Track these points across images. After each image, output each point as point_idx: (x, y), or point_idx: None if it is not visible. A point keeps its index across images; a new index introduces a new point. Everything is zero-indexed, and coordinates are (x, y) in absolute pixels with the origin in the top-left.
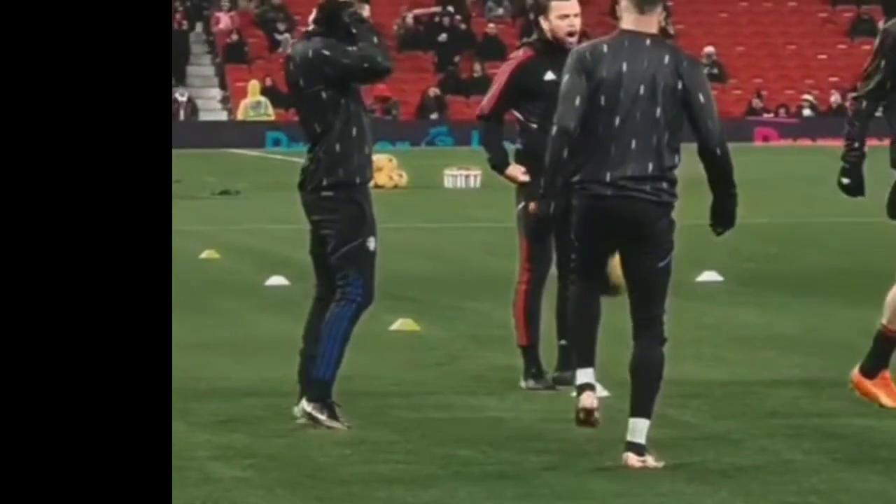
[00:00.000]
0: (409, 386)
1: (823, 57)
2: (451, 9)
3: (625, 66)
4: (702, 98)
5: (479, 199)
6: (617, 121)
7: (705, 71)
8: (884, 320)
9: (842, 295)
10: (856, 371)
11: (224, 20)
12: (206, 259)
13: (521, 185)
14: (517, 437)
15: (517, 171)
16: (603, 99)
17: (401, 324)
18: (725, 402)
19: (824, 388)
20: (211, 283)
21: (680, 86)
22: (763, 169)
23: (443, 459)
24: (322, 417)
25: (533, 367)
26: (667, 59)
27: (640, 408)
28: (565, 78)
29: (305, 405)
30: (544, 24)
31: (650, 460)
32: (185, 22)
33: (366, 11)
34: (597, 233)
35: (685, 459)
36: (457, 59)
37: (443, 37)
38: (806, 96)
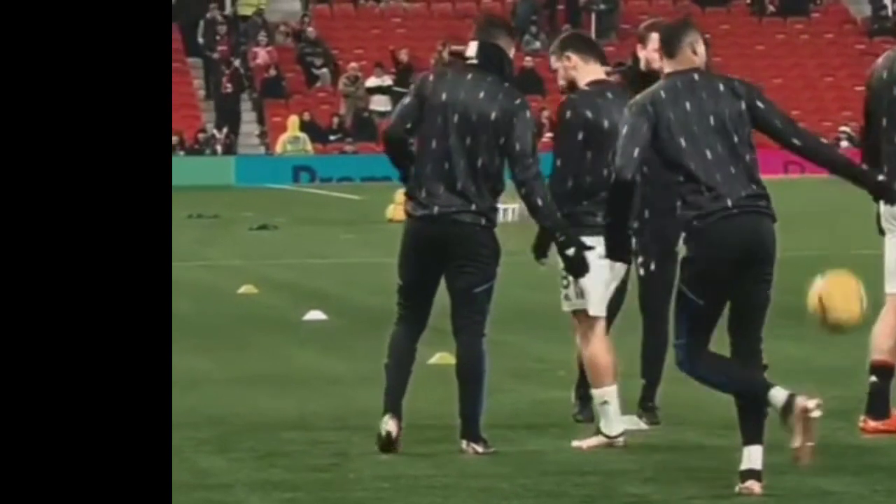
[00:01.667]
0: (447, 420)
1: (861, 89)
2: None
3: (688, 106)
4: (762, 104)
5: (516, 233)
6: (708, 155)
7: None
8: (873, 355)
9: None
10: (863, 417)
11: (262, 55)
12: (244, 294)
13: None
14: (555, 472)
15: None
16: (682, 140)
17: (439, 358)
18: (766, 434)
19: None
20: (249, 318)
21: (744, 106)
22: (802, 201)
23: (481, 494)
24: (481, 450)
25: (580, 391)
26: (721, 86)
27: (756, 434)
28: (624, 129)
29: (471, 446)
30: (640, 54)
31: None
32: (229, 85)
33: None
34: (731, 262)
35: (726, 490)
36: None
37: None
38: (843, 128)
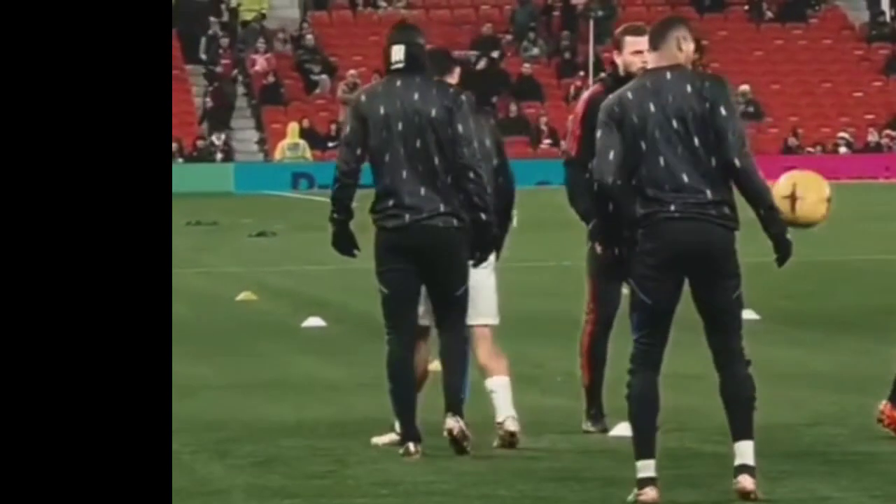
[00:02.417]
0: None
1: (859, 94)
2: (495, 54)
3: (652, 107)
4: (723, 111)
5: (515, 241)
6: (661, 160)
7: (730, 87)
8: None
9: (877, 332)
10: (885, 403)
11: (260, 62)
12: (243, 301)
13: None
14: (554, 477)
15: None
16: (643, 143)
17: (437, 364)
18: (761, 440)
19: (860, 426)
20: (248, 325)
21: (708, 108)
22: None
23: (480, 500)
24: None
25: (592, 409)
26: (689, 87)
27: (742, 430)
28: (598, 133)
29: (458, 421)
30: (617, 59)
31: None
32: (209, 100)
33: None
34: (666, 263)
35: (722, 496)
36: (494, 99)
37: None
38: (842, 134)
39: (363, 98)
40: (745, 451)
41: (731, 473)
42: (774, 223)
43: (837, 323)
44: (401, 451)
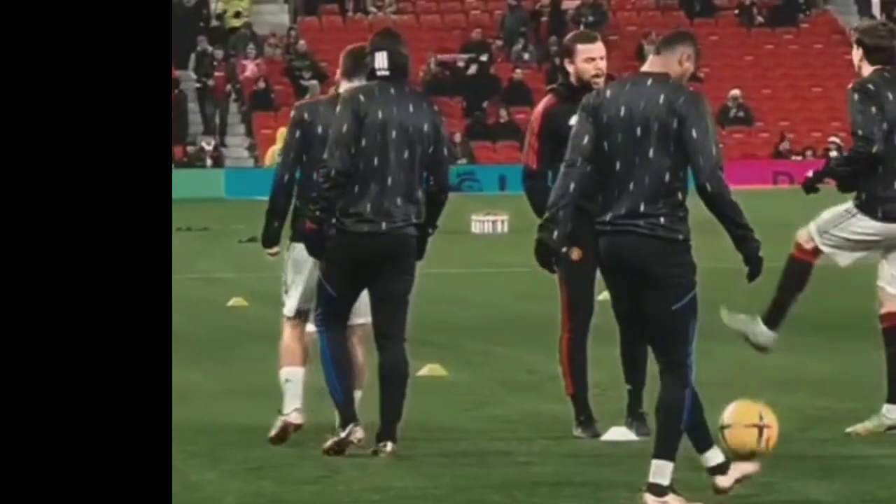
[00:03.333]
0: (438, 432)
1: None
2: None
3: (623, 111)
4: (695, 133)
5: (506, 245)
6: (618, 165)
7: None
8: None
9: (871, 337)
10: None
11: (250, 68)
12: (234, 306)
13: None
14: (547, 482)
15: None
16: (606, 144)
17: (429, 369)
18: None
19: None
20: (239, 331)
21: (675, 123)
22: (790, 211)
23: None
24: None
25: (581, 415)
26: (662, 98)
27: (663, 450)
28: (575, 124)
29: (387, 446)
30: (569, 68)
31: (672, 501)
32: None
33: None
34: (605, 271)
35: (714, 501)
36: (484, 104)
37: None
38: (832, 138)
39: (362, 98)
40: (658, 470)
41: (753, 486)
42: (746, 242)
43: (832, 328)
44: (343, 434)
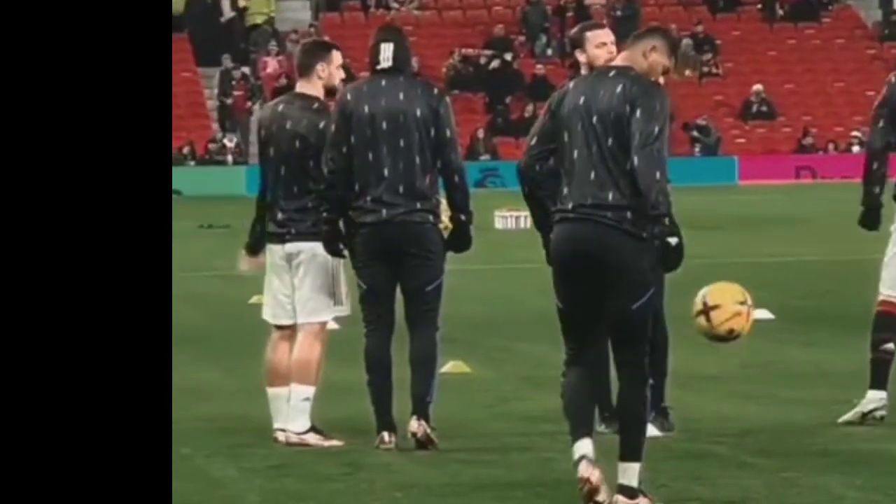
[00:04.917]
0: (461, 429)
1: (872, 93)
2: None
3: (581, 100)
4: (639, 113)
5: (530, 240)
6: (575, 154)
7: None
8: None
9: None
10: None
11: (272, 64)
12: (256, 304)
13: None
14: (570, 479)
15: None
16: (566, 134)
17: (452, 366)
18: (778, 440)
19: (876, 425)
20: (261, 328)
21: (628, 111)
22: (814, 206)
23: (495, 502)
24: (428, 429)
25: (605, 411)
26: (619, 88)
27: (628, 451)
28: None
29: (422, 425)
30: (581, 58)
31: (642, 502)
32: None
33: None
34: (564, 263)
35: (737, 497)
36: (507, 100)
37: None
38: (855, 133)
39: (349, 97)
40: (625, 471)
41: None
42: (656, 223)
43: (853, 322)
44: (375, 442)
